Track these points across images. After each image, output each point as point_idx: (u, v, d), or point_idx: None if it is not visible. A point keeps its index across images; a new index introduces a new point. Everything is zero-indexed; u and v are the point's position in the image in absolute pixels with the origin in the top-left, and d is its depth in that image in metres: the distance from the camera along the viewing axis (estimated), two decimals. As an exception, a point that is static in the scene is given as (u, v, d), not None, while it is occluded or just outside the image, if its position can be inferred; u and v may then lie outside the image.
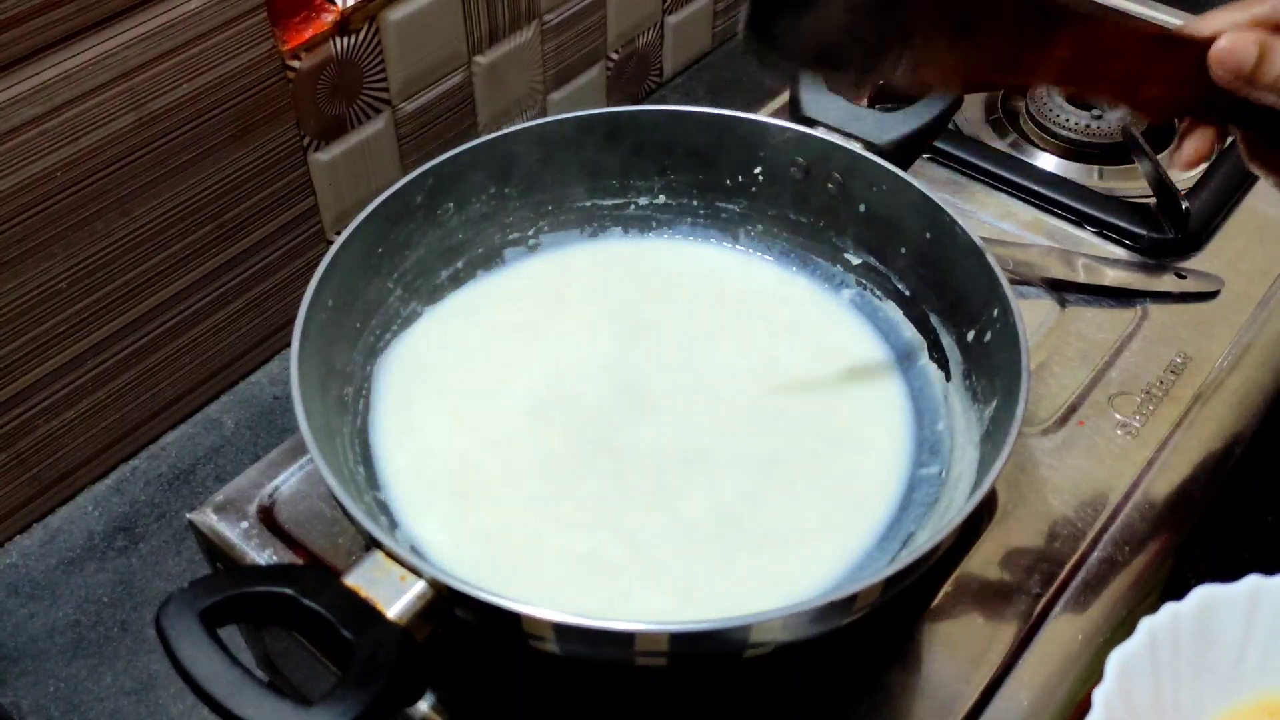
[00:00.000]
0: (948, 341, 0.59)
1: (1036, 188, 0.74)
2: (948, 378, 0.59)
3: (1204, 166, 0.77)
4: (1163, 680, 0.48)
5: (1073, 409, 0.62)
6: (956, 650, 0.52)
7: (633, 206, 0.67)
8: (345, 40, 0.74)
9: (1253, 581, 0.49)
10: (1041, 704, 0.51)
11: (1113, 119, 0.78)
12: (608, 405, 0.59)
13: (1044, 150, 0.79)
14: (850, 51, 0.48)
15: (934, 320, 0.60)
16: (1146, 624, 0.48)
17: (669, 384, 0.60)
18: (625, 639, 0.42)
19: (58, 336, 0.69)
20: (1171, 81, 0.51)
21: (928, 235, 0.59)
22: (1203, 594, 0.49)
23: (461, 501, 0.55)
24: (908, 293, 0.62)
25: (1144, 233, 0.71)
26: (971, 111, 0.82)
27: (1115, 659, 0.47)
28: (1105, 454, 0.60)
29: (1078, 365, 0.64)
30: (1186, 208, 0.71)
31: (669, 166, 0.65)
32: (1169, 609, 0.48)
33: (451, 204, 0.61)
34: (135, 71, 0.65)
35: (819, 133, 0.61)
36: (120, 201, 0.68)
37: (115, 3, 0.62)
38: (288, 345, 0.49)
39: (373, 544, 0.45)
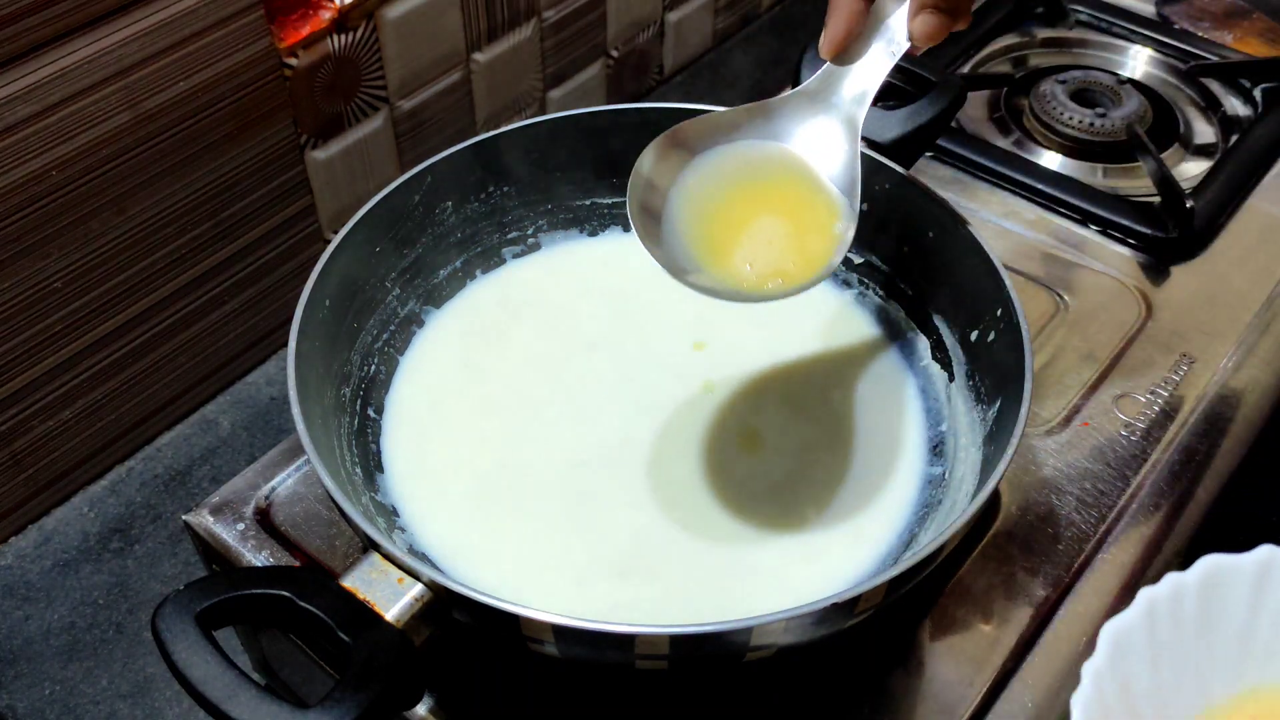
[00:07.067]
0: (950, 341, 0.59)
1: (1040, 186, 0.74)
2: (950, 378, 0.58)
3: (1206, 165, 0.77)
4: (1161, 659, 0.44)
5: (1076, 410, 0.62)
6: (960, 652, 0.52)
7: (633, 205, 0.66)
8: (343, 38, 0.74)
9: (1265, 552, 0.45)
10: (1046, 707, 0.51)
11: (1117, 117, 0.78)
12: (612, 405, 0.58)
13: (1047, 148, 0.79)
14: None
15: (937, 320, 0.60)
16: (1145, 595, 0.44)
17: (674, 385, 0.59)
18: (625, 641, 0.42)
19: (53, 336, 0.68)
20: None
21: (930, 234, 0.58)
22: (1209, 564, 0.45)
23: (464, 504, 0.55)
24: (910, 292, 0.61)
25: (1148, 231, 0.71)
26: (974, 109, 0.82)
27: (1108, 631, 0.43)
28: (1109, 455, 0.60)
29: (1081, 366, 0.64)
30: (1191, 207, 0.70)
31: (669, 164, 0.65)
32: (1171, 579, 0.44)
33: (450, 203, 0.61)
34: (131, 69, 0.64)
35: (821, 130, 0.61)
36: (116, 200, 0.67)
37: (111, 0, 0.62)
38: (284, 345, 0.48)
39: (370, 546, 0.44)
